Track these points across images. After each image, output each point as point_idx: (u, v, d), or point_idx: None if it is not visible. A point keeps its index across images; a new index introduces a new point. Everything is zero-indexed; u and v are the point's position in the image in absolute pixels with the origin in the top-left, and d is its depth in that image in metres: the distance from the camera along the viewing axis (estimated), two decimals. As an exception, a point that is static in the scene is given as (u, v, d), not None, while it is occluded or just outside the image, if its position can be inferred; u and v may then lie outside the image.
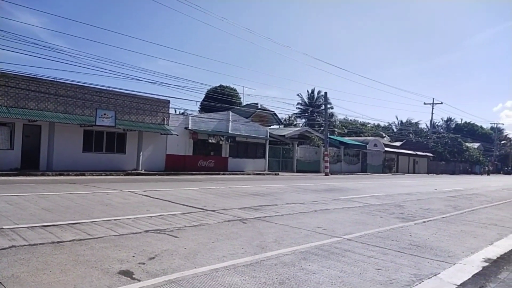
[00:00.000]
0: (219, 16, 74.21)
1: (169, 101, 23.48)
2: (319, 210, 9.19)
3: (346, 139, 41.31)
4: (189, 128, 24.32)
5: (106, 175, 18.96)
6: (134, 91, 22.35)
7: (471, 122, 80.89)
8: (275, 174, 27.30)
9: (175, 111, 26.52)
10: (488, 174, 59.07)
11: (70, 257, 4.28)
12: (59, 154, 19.06)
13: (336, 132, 47.96)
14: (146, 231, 5.84)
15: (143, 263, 4.16)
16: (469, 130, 77.22)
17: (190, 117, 25.01)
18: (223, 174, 24.18)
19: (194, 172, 23.21)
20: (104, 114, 19.52)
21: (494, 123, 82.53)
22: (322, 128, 37.79)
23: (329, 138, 34.65)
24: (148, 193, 11.06)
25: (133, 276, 3.73)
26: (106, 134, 21.02)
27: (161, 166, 23.11)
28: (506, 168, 77.47)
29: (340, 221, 7.71)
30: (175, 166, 23.25)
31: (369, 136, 47.81)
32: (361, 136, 47.92)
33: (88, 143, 20.41)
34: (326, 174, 30.78)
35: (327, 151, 32.42)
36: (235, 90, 42.18)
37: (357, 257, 4.89)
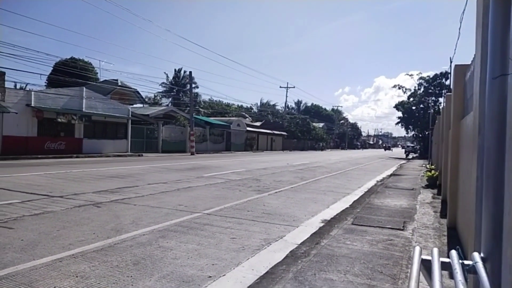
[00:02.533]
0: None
1: (4, 73, 19.67)
2: (182, 188, 9.19)
3: (211, 119, 42.09)
4: (32, 105, 20.95)
5: None
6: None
7: (317, 105, 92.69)
8: (139, 155, 26.03)
9: (16, 85, 22.43)
10: (322, 150, 68.16)
11: None
12: None
13: (202, 112, 48.38)
14: (-31, 226, 4.85)
15: (-38, 263, 3.45)
16: (316, 112, 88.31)
17: (33, 93, 21.50)
18: (77, 157, 21.80)
19: (40, 156, 20.25)
20: None
21: (335, 106, 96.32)
22: (188, 108, 37.55)
23: (195, 118, 34.72)
24: (-25, 181, 9.18)
25: None
26: None
27: (-5, 149, 19.41)
28: (343, 144, 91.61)
29: (201, 197, 7.87)
30: (14, 149, 19.83)
31: (233, 117, 49.81)
32: (225, 117, 49.55)
33: None
34: (192, 154, 30.93)
35: (193, 130, 32.48)
36: (90, 64, 38.00)
37: (215, 230, 5.10)
